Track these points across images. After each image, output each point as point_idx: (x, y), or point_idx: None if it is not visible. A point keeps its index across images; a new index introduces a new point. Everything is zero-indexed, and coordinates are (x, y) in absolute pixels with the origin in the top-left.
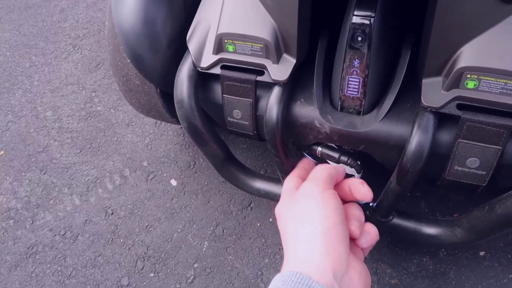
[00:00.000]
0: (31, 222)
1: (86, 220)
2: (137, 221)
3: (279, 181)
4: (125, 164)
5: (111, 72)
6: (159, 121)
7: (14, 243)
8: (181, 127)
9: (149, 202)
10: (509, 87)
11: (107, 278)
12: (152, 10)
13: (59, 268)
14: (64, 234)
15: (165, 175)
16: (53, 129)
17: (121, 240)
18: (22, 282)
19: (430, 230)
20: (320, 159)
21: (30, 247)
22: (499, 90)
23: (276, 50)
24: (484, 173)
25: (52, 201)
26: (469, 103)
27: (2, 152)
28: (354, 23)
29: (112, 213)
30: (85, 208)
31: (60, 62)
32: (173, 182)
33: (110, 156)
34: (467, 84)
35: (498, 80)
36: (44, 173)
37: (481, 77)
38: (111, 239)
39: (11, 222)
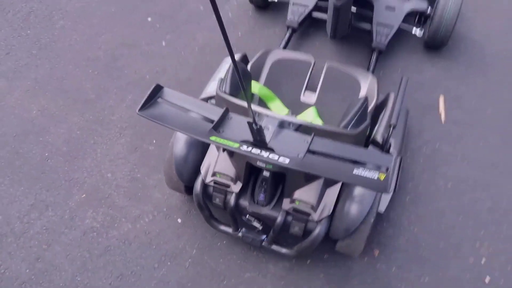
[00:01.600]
0: (105, 235)
1: (135, 236)
2: (166, 235)
3: (228, 225)
4: (154, 208)
5: (162, 171)
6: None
7: (95, 249)
8: (186, 195)
9: (167, 230)
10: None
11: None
12: (188, 150)
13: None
14: (124, 241)
15: (174, 216)
16: (112, 184)
17: (151, 244)
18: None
19: (283, 251)
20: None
21: (107, 247)
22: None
23: (235, 180)
24: (300, 233)
25: (116, 224)
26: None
27: (84, 195)
28: (263, 176)
29: (149, 233)
30: (133, 231)
31: (113, 143)
32: (179, 220)
33: (146, 204)
34: (297, 203)
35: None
36: (110, 209)
37: (298, 202)
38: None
39: (94, 234)
